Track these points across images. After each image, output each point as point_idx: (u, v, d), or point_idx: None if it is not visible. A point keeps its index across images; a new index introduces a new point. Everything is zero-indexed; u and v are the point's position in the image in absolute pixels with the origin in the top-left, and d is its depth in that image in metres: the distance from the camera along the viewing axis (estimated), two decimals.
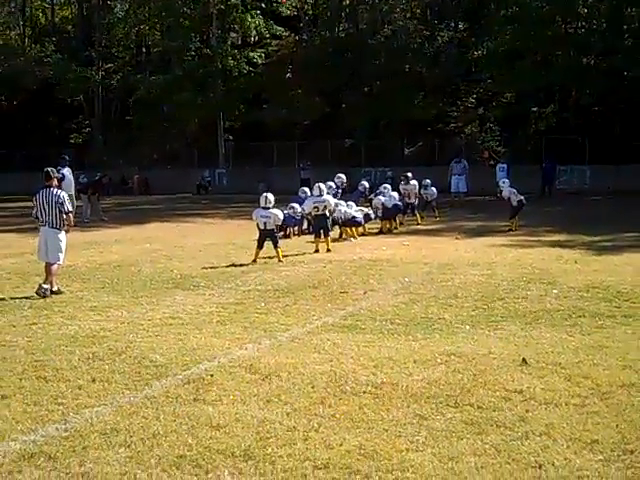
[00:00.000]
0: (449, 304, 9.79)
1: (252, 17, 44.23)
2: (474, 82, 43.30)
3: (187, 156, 46.37)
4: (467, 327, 8.48)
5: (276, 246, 14.27)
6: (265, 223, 14.26)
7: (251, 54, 44.71)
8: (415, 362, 6.91)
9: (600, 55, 36.74)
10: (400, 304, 9.81)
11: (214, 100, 43.75)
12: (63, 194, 11.31)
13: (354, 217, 17.64)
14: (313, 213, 16.44)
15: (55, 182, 11.59)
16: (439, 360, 6.97)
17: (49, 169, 11.57)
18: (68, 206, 11.22)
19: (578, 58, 37.94)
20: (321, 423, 5.36)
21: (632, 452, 4.77)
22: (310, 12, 51.48)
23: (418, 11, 48.06)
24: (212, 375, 6.55)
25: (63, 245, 11.19)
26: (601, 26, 38.97)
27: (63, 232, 11.20)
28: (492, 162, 34.22)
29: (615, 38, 36.90)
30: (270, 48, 46.80)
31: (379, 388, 6.14)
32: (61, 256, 11.17)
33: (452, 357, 7.08)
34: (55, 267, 11.06)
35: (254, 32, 45.07)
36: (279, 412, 5.59)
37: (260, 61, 45.09)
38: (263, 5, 45.20)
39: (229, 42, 45.66)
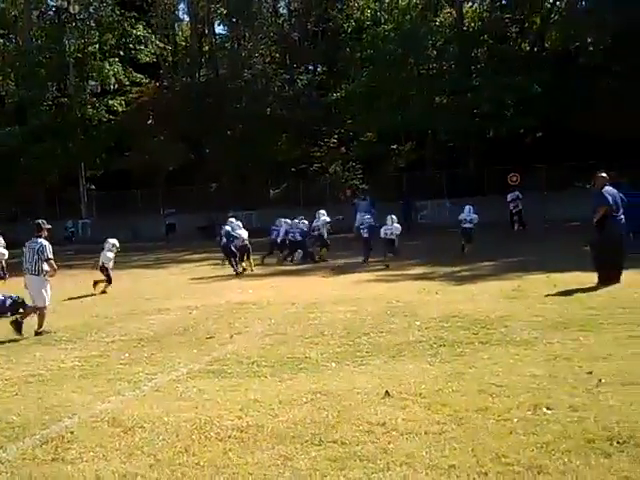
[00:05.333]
0: (315, 342, 9.88)
1: (110, 65, 43.86)
2: (335, 123, 44.29)
3: (49, 208, 45.03)
4: (333, 364, 8.57)
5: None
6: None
7: (111, 102, 44.30)
8: (281, 403, 6.93)
9: (451, 94, 38.39)
10: (267, 345, 9.84)
11: (74, 149, 42.96)
12: (45, 243, 12.07)
13: None
14: None
15: (45, 233, 12.35)
16: (305, 399, 7.01)
17: (40, 221, 12.58)
18: (48, 254, 11.97)
19: (431, 97, 39.52)
20: (185, 473, 5.28)
21: (486, 474, 4.95)
22: (170, 58, 51.51)
23: (277, 55, 48.90)
24: (72, 432, 6.34)
25: (46, 289, 12.09)
26: (450, 67, 40.85)
27: (42, 277, 12.03)
28: (355, 201, 34.92)
29: (464, 78, 38.77)
30: (130, 95, 46.46)
31: (244, 432, 6.12)
32: (46, 299, 12.05)
33: (317, 395, 7.13)
34: (40, 309, 12.00)
35: (113, 80, 44.57)
36: (141, 465, 5.47)
37: (120, 109, 44.72)
38: (121, 52, 44.86)
39: (87, 90, 44.94)
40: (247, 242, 20.84)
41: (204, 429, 6.25)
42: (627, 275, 14.23)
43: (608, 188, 14.00)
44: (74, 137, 43.52)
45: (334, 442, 5.76)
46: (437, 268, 18.09)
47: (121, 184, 43.30)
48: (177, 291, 16.72)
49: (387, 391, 7.05)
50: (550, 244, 23.38)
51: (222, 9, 49.27)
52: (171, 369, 8.75)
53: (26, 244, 12.26)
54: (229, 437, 6.02)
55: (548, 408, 6.20)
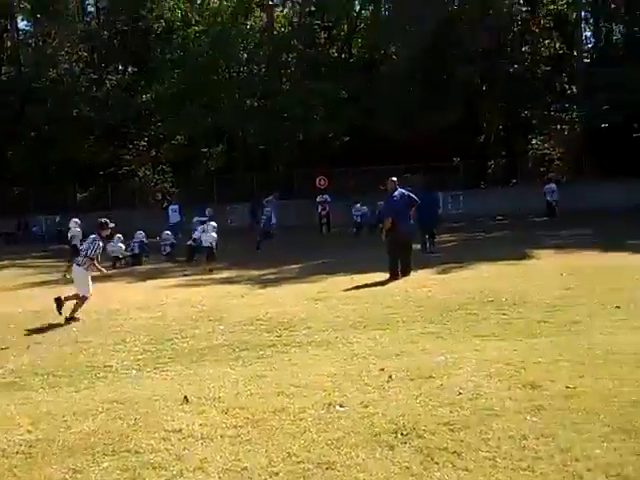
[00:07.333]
0: (117, 350, 9.69)
1: None
2: (145, 125, 43.51)
3: None
4: (133, 371, 8.46)
5: None
6: None
7: None
8: (75, 414, 6.70)
9: (262, 97, 38.74)
10: (65, 355, 9.54)
11: None
12: (97, 241, 12.96)
13: None
14: None
15: (105, 232, 13.41)
16: (100, 409, 6.83)
17: (103, 220, 13.48)
18: (91, 251, 12.83)
19: (242, 100, 39.69)
20: None
21: (277, 474, 5.04)
22: None
23: (85, 54, 47.32)
24: None
25: (86, 280, 12.82)
26: (261, 71, 41.30)
27: (82, 269, 12.84)
28: (165, 204, 34.53)
29: (274, 82, 39.33)
30: None
31: (33, 446, 5.86)
32: (84, 290, 12.67)
33: (114, 404, 6.96)
34: (81, 298, 12.60)
35: None
36: None
37: None
38: None
39: None
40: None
41: None
42: (422, 275, 15.04)
43: (397, 192, 15.23)
44: None
45: (128, 451, 5.65)
46: (244, 272, 18.21)
47: None
48: None
49: (186, 397, 7.01)
50: (357, 246, 24.14)
51: (26, 4, 47.12)
52: None
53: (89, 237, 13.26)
54: (16, 453, 5.76)
55: (341, 405, 6.40)
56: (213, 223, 22.26)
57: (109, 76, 45.49)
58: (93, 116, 41.63)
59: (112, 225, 13.54)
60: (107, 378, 8.20)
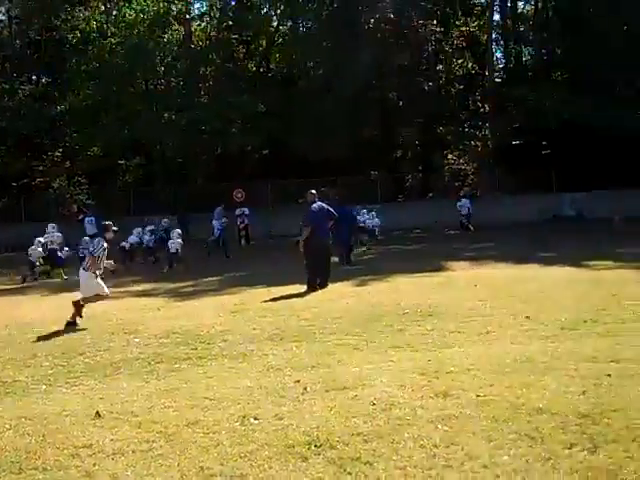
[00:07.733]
0: (27, 365, 9.44)
1: None
2: (60, 136, 42.63)
3: None
4: (43, 387, 8.25)
5: None
6: None
7: None
8: None
9: (180, 110, 38.39)
10: None
11: None
12: (102, 242, 12.80)
13: None
14: None
15: (108, 234, 13.18)
16: (8, 426, 6.63)
17: (108, 222, 13.47)
18: (94, 250, 12.73)
19: (160, 113, 39.28)
20: None
21: None
22: None
23: None
24: None
25: (92, 282, 12.57)
26: (179, 83, 41.02)
27: (89, 273, 12.60)
28: (81, 216, 33.79)
29: (192, 95, 39.14)
30: None
31: None
32: (93, 291, 12.60)
33: (22, 420, 6.77)
34: (81, 302, 12.45)
35: None
36: None
37: None
38: None
39: None
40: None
41: None
42: (340, 287, 15.15)
43: (316, 205, 15.41)
44: None
45: (35, 469, 5.51)
46: (162, 284, 18.02)
47: None
48: None
49: (97, 412, 6.87)
50: (275, 258, 24.15)
51: None
52: None
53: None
54: None
55: (255, 418, 6.37)
56: (178, 230, 23.40)
57: (22, 86, 44.37)
58: (5, 126, 40.55)
59: (115, 229, 13.55)
60: (16, 394, 7.98)
